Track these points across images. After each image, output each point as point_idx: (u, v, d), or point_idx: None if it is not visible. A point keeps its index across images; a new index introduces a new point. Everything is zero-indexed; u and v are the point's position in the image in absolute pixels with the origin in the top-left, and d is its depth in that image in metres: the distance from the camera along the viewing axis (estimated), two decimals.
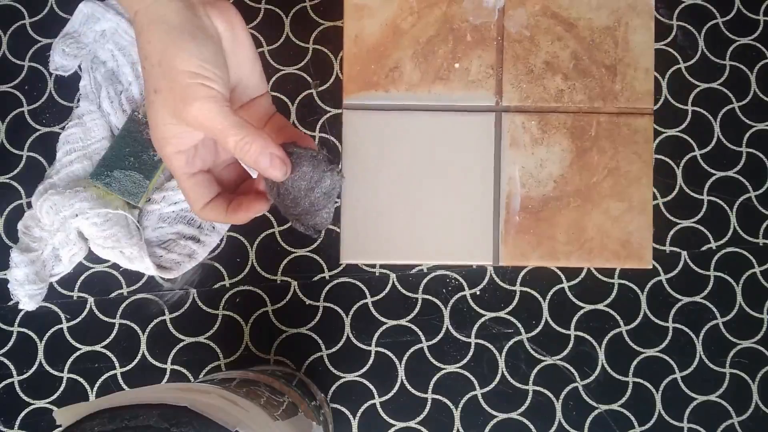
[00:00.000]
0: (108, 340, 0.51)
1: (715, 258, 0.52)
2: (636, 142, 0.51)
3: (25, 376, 0.51)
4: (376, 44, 0.52)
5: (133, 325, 0.51)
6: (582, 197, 0.51)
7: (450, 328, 0.51)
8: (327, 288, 0.52)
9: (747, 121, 0.54)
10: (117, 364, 0.51)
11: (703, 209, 0.53)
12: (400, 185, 0.51)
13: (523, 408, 0.50)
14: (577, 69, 0.52)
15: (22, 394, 0.51)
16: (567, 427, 0.50)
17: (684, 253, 0.52)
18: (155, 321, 0.51)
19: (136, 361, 0.51)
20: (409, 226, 0.51)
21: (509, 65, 0.52)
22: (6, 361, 0.51)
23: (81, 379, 0.51)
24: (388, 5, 0.52)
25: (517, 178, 0.51)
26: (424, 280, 0.52)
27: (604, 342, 0.51)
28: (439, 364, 0.51)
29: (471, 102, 0.52)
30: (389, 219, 0.51)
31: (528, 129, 0.51)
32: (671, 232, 0.52)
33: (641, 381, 0.50)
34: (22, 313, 0.51)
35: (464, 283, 0.52)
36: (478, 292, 0.52)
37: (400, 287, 0.52)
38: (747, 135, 0.54)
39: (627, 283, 0.52)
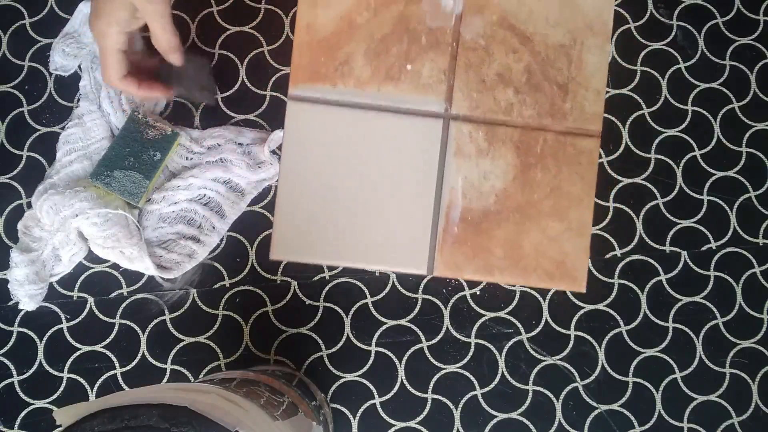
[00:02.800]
0: (108, 340, 0.51)
1: (715, 258, 0.52)
2: (579, 163, 0.50)
3: (25, 376, 0.51)
4: (329, 36, 0.50)
5: (133, 325, 0.51)
6: (522, 213, 0.50)
7: (450, 328, 0.51)
8: (327, 288, 0.52)
9: (747, 121, 0.54)
10: (117, 364, 0.51)
11: (703, 209, 0.53)
12: (340, 184, 0.50)
13: (523, 408, 0.50)
14: (529, 83, 0.50)
15: (22, 394, 0.51)
16: (567, 427, 0.50)
17: (684, 253, 0.52)
18: (155, 321, 0.51)
19: (136, 361, 0.51)
20: (346, 228, 0.49)
21: (461, 72, 0.51)
22: (6, 361, 0.51)
23: (81, 379, 0.51)
24: None
25: (459, 188, 0.50)
26: (424, 280, 0.52)
27: (604, 342, 0.51)
28: (439, 364, 0.51)
29: (420, 106, 0.50)
30: (326, 218, 0.49)
31: (475, 139, 0.50)
32: (671, 232, 0.52)
33: (641, 381, 0.50)
34: (22, 313, 0.51)
35: (464, 283, 0.52)
36: (478, 292, 0.52)
37: (400, 287, 0.52)
38: (747, 135, 0.54)
39: (627, 283, 0.52)
